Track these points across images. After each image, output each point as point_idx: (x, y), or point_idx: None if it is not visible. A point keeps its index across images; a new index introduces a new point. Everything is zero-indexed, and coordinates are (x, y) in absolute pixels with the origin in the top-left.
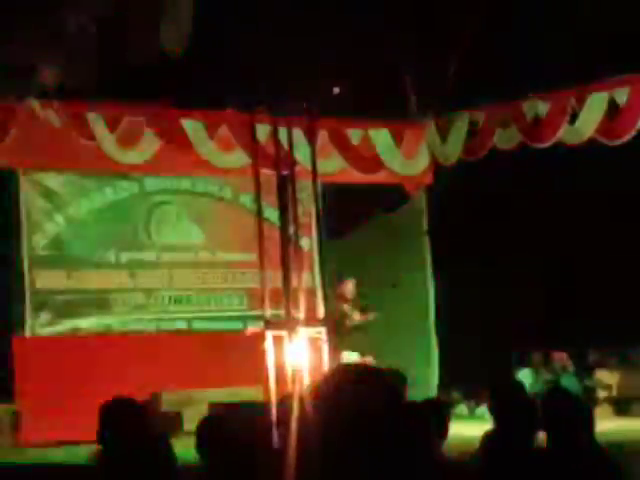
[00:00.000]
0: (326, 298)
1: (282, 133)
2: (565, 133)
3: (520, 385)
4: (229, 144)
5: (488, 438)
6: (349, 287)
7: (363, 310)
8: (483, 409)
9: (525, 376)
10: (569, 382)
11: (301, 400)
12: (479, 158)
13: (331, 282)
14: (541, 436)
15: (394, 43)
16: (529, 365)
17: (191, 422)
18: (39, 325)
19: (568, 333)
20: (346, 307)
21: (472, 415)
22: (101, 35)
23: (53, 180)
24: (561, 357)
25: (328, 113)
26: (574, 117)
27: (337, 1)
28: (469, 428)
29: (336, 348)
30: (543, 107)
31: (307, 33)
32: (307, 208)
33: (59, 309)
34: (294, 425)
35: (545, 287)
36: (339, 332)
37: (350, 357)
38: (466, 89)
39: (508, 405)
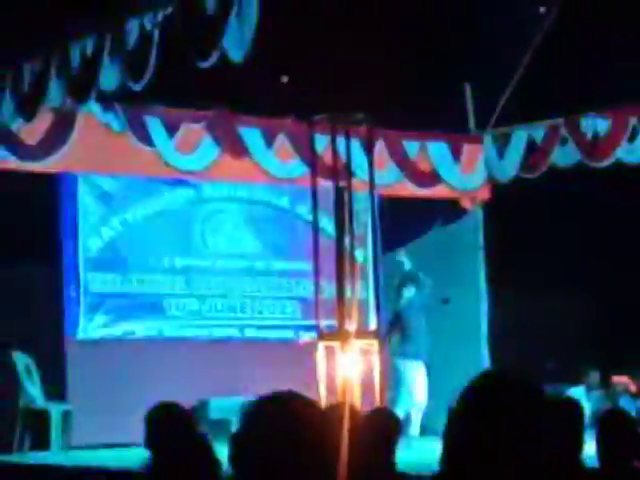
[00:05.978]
0: (379, 310)
1: (340, 144)
2: (624, 152)
3: (574, 402)
4: (287, 153)
5: None
6: None
7: None
8: None
9: (578, 394)
10: (627, 404)
11: (351, 411)
12: (537, 175)
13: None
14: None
15: (454, 57)
16: (583, 383)
17: None
18: (92, 328)
19: (622, 353)
20: None
21: None
22: (161, 38)
23: (110, 184)
24: (622, 381)
25: (386, 124)
26: (634, 136)
27: (399, 17)
28: None
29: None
30: (602, 124)
31: (369, 45)
32: (363, 220)
33: (113, 312)
34: (344, 435)
35: (601, 305)
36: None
37: None
38: (525, 104)
39: (559, 421)
